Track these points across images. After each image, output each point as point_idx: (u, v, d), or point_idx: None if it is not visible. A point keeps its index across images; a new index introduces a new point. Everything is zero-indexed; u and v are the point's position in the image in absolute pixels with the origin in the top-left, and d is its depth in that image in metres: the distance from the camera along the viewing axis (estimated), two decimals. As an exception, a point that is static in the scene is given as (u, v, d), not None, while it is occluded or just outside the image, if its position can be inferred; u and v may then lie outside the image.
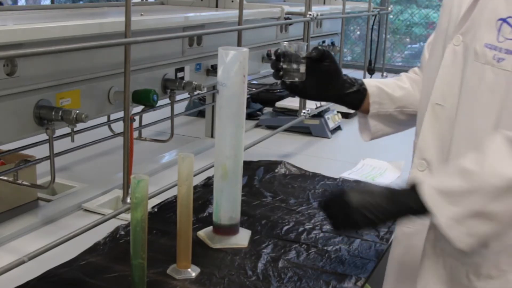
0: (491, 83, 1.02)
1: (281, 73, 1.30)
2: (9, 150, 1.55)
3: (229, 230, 1.42)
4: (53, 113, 1.28)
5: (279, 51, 1.31)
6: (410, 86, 1.35)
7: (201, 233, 1.43)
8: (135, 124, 1.81)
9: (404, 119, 1.34)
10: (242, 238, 1.42)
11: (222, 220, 1.41)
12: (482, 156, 0.97)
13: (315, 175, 1.92)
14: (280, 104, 2.52)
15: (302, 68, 1.28)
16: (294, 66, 1.29)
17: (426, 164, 1.14)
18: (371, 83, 1.35)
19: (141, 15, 1.58)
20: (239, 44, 1.76)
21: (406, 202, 1.04)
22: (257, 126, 2.53)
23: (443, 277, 1.09)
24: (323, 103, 2.54)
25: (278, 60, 1.30)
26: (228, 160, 1.38)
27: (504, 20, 1.01)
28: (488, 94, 1.03)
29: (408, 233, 1.24)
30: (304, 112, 2.22)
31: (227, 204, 1.41)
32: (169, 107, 1.80)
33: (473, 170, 0.96)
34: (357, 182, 1.17)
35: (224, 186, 1.40)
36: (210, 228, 1.44)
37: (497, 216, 0.95)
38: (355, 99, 1.35)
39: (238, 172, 1.42)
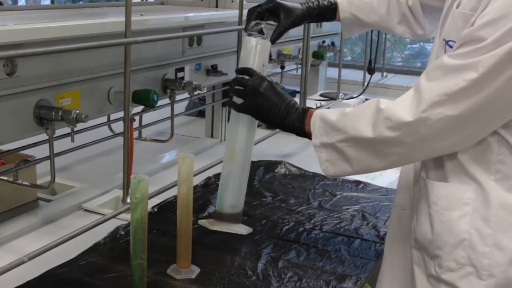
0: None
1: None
2: (9, 150, 1.55)
3: (231, 218, 1.44)
4: (53, 113, 1.28)
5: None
6: (379, 9, 1.45)
7: (202, 221, 1.45)
8: (135, 124, 1.81)
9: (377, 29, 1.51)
10: (242, 228, 1.44)
11: (224, 208, 1.43)
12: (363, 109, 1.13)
13: (315, 175, 1.92)
14: (280, 104, 2.51)
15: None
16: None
17: None
18: (343, 3, 1.47)
19: (141, 15, 1.58)
20: (239, 44, 1.76)
21: (294, 120, 1.25)
22: (257, 126, 2.53)
23: (421, 270, 1.15)
24: (323, 103, 2.54)
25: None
26: (239, 144, 1.40)
27: (446, 42, 1.07)
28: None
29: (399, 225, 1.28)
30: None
31: (232, 192, 1.42)
32: (169, 107, 1.80)
33: (350, 115, 1.15)
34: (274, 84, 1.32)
35: (231, 170, 1.42)
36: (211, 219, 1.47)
37: (351, 159, 1.15)
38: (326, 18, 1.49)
39: (247, 159, 1.43)
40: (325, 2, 1.46)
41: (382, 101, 1.10)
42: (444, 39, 1.07)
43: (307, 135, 1.25)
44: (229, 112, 1.66)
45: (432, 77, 1.03)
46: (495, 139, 1.04)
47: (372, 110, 1.10)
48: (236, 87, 1.31)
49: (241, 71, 1.34)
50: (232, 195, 1.43)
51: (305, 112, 1.25)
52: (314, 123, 1.21)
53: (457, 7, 1.05)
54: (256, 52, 1.36)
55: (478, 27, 0.97)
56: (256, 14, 1.39)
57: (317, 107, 1.34)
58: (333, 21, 1.51)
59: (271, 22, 1.41)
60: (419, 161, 1.19)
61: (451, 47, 1.05)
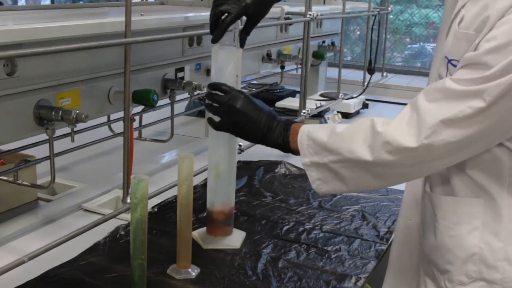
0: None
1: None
2: (9, 150, 1.55)
3: (223, 231, 1.42)
4: (53, 113, 1.28)
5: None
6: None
7: (195, 234, 1.42)
8: (135, 124, 1.82)
9: None
10: (235, 239, 1.42)
11: (215, 222, 1.41)
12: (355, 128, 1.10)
13: (315, 175, 1.91)
14: (280, 104, 2.52)
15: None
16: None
17: None
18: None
19: (141, 15, 1.58)
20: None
21: (277, 136, 1.22)
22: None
23: (432, 282, 1.13)
24: (323, 103, 2.54)
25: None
26: (222, 161, 1.38)
27: (449, 60, 1.04)
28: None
29: (406, 233, 1.26)
30: (304, 112, 2.22)
31: (220, 204, 1.40)
32: (169, 107, 1.80)
33: (342, 136, 1.11)
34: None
35: (217, 187, 1.40)
36: (204, 228, 1.44)
37: (346, 178, 1.11)
38: None
39: (232, 172, 1.41)
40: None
41: (377, 122, 1.05)
42: (446, 57, 1.04)
43: (293, 151, 1.21)
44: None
45: (433, 98, 0.99)
46: (504, 152, 1.02)
47: (367, 131, 1.06)
48: (211, 103, 1.27)
49: (214, 87, 1.28)
50: (221, 208, 1.41)
51: (288, 128, 1.21)
52: (302, 142, 1.17)
53: (459, 23, 1.01)
54: (228, 64, 1.31)
55: (483, 52, 0.94)
56: (228, 23, 1.29)
57: (300, 122, 1.28)
58: None
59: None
60: (420, 178, 1.18)
61: (454, 66, 1.02)
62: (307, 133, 1.17)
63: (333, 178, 1.13)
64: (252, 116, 1.23)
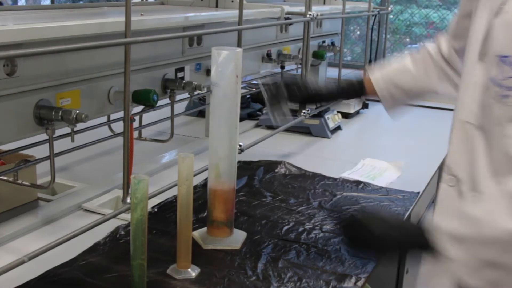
0: (498, 117, 1.03)
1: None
2: (9, 150, 1.55)
3: (223, 231, 1.42)
4: (53, 113, 1.28)
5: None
6: (416, 71, 1.37)
7: (195, 234, 1.42)
8: (135, 124, 1.81)
9: (421, 97, 1.38)
10: (236, 240, 1.42)
11: (215, 222, 1.41)
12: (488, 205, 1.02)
13: (315, 175, 1.92)
14: (280, 104, 2.52)
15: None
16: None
17: (455, 180, 1.15)
18: (376, 76, 1.37)
19: (141, 15, 1.58)
20: (239, 44, 1.76)
21: (420, 242, 1.09)
22: (257, 126, 2.53)
23: None
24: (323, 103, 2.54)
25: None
26: (222, 161, 1.38)
27: (503, 57, 1.00)
28: (497, 128, 1.04)
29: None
30: (304, 112, 2.22)
31: (220, 205, 1.40)
32: (169, 107, 1.80)
33: (482, 219, 1.01)
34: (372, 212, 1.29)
35: (217, 187, 1.40)
36: (205, 229, 1.44)
37: (506, 265, 0.99)
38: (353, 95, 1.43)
39: (232, 173, 1.41)
40: (347, 83, 1.41)
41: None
42: (498, 55, 1.00)
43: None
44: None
45: None
46: None
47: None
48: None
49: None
50: (222, 209, 1.40)
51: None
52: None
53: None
54: (228, 64, 1.32)
55: None
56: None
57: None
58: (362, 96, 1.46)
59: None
60: None
61: (505, 63, 0.99)
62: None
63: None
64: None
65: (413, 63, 1.40)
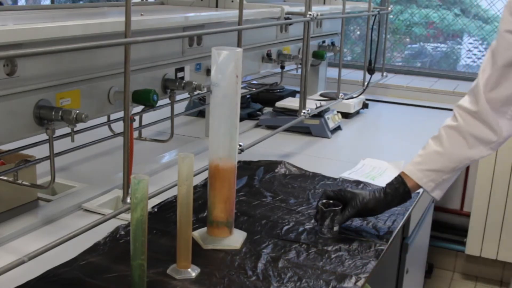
0: None
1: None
2: (9, 150, 1.55)
3: (223, 231, 1.42)
4: (53, 113, 1.28)
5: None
6: (451, 147, 1.43)
7: (195, 234, 1.42)
8: (135, 124, 1.81)
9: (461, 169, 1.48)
10: (236, 239, 1.42)
11: (215, 222, 1.41)
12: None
13: (315, 175, 1.92)
14: (280, 104, 2.52)
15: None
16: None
17: None
18: (412, 170, 1.48)
19: (141, 15, 1.58)
20: (239, 44, 1.76)
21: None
22: (257, 126, 2.53)
23: None
24: (323, 102, 2.54)
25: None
26: (221, 161, 1.38)
27: None
28: None
29: None
30: (304, 112, 2.22)
31: (220, 205, 1.40)
32: (169, 107, 1.80)
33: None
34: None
35: (217, 187, 1.40)
36: (205, 229, 1.44)
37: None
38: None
39: (232, 173, 1.41)
40: (392, 187, 1.49)
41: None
42: None
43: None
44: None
45: None
46: None
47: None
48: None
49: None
50: (222, 209, 1.40)
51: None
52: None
53: None
54: (228, 64, 1.32)
55: None
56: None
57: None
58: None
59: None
60: None
61: None
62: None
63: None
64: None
65: (439, 144, 1.45)
